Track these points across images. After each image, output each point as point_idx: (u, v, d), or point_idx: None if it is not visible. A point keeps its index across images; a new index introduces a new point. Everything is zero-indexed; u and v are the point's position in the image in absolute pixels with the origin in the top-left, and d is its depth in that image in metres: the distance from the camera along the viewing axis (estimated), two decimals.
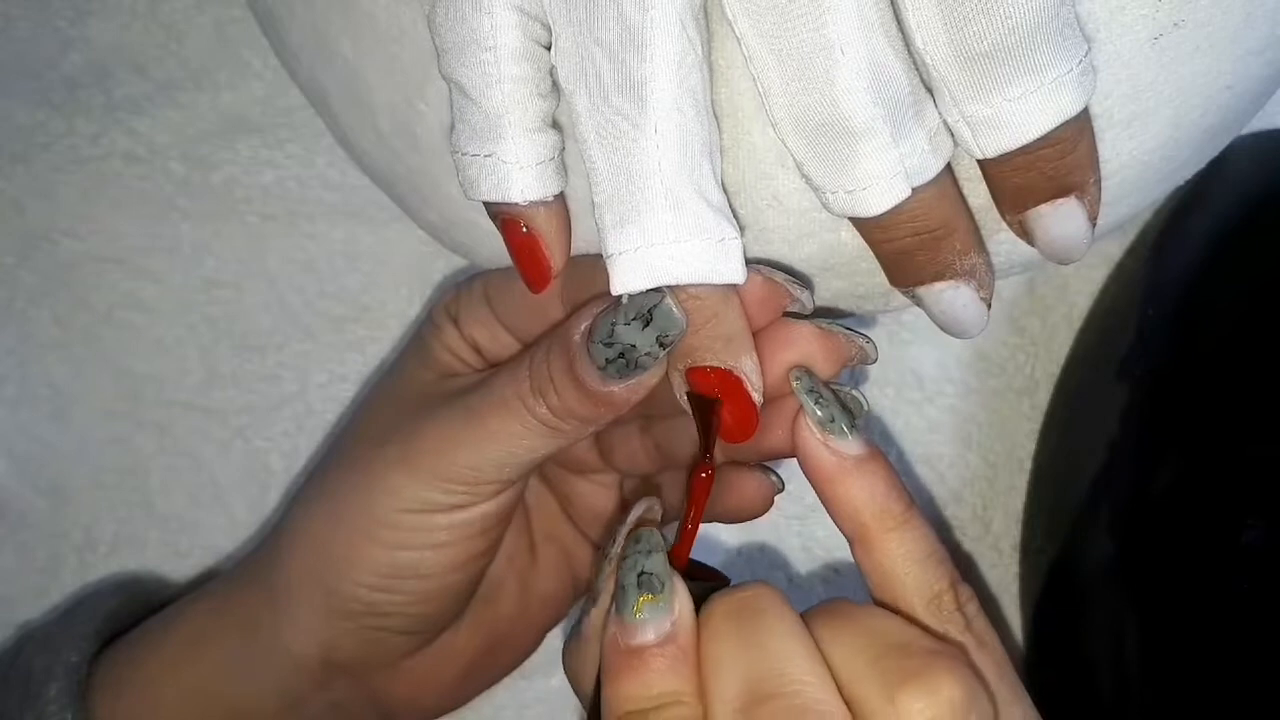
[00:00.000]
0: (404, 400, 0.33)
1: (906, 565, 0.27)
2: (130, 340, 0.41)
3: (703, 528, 0.28)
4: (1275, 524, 0.33)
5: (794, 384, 0.28)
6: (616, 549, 0.27)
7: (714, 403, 0.28)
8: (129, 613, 0.36)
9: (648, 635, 0.25)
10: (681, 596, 0.26)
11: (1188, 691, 0.33)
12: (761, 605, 0.26)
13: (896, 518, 0.27)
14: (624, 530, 0.27)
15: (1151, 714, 0.34)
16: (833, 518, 0.28)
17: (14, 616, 0.39)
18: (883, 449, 0.28)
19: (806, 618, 0.26)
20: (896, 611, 0.27)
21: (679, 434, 0.32)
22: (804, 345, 0.28)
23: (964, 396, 0.41)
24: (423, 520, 0.31)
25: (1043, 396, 0.41)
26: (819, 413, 0.27)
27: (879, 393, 0.41)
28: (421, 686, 0.34)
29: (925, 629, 0.26)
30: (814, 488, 0.28)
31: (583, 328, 0.28)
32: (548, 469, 0.35)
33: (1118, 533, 0.36)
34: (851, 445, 0.27)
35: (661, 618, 0.25)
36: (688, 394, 0.28)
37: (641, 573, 0.26)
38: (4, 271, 0.41)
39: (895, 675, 0.24)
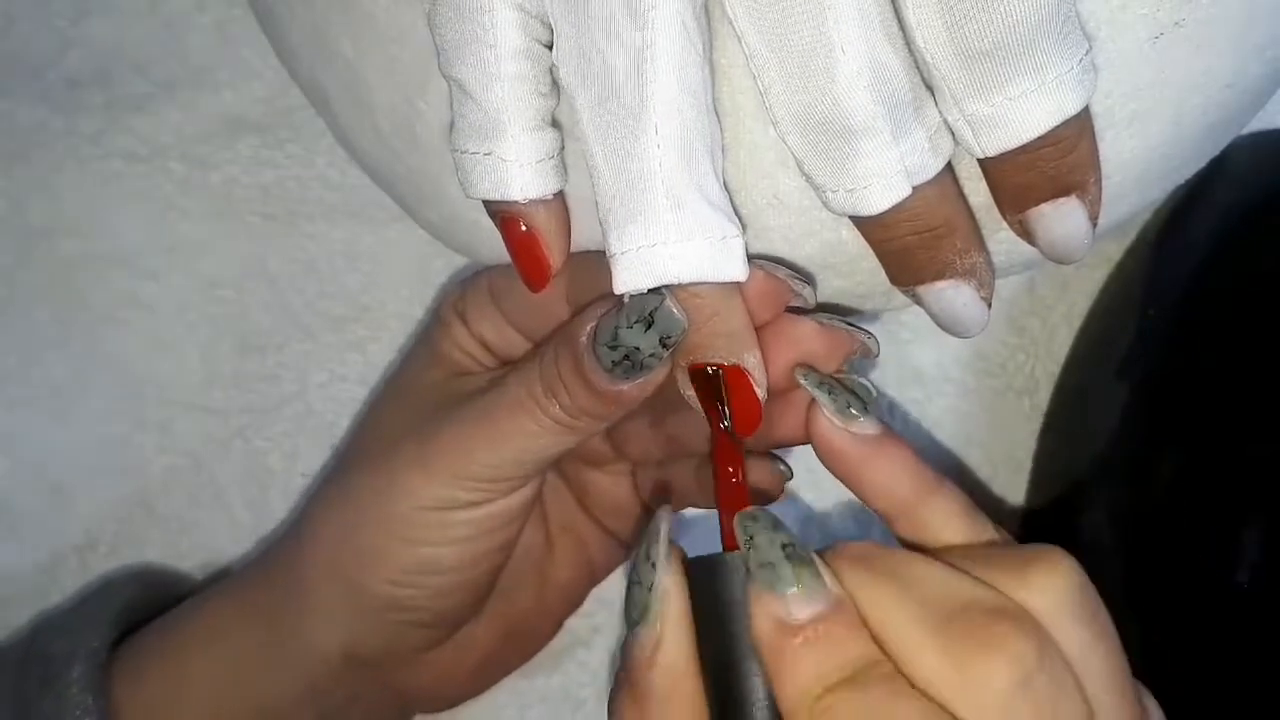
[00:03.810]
0: (417, 400, 0.33)
1: (954, 524, 0.27)
2: (130, 340, 0.40)
3: (702, 515, 0.27)
4: (1275, 524, 0.33)
5: (801, 381, 0.28)
6: (658, 550, 0.26)
7: (717, 378, 0.27)
8: (144, 604, 0.36)
9: (818, 605, 0.24)
10: (822, 564, 0.25)
11: (1187, 691, 0.33)
12: (874, 549, 0.25)
13: (930, 482, 0.27)
14: (661, 535, 0.26)
15: None
16: (866, 500, 0.27)
17: (14, 617, 0.39)
18: None
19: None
20: None
21: (690, 422, 0.32)
22: (805, 342, 0.28)
23: (964, 396, 0.41)
24: (442, 517, 0.31)
25: (1043, 396, 0.41)
26: (833, 402, 0.27)
27: (878, 393, 0.41)
28: (441, 677, 0.35)
29: None
30: (841, 476, 0.27)
31: (588, 329, 0.28)
32: (563, 462, 0.36)
33: (1117, 533, 0.36)
34: (870, 425, 0.27)
35: (821, 586, 0.24)
36: (690, 376, 0.28)
37: (784, 545, 0.24)
38: (4, 271, 0.41)
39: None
